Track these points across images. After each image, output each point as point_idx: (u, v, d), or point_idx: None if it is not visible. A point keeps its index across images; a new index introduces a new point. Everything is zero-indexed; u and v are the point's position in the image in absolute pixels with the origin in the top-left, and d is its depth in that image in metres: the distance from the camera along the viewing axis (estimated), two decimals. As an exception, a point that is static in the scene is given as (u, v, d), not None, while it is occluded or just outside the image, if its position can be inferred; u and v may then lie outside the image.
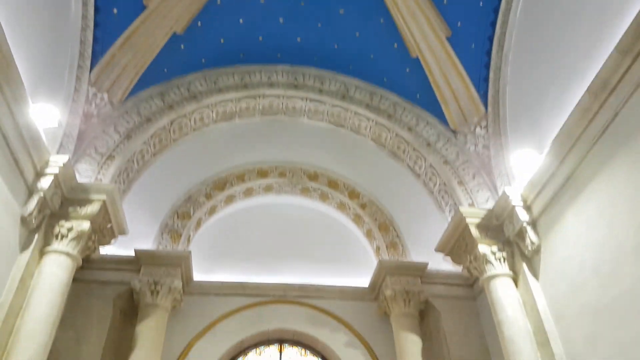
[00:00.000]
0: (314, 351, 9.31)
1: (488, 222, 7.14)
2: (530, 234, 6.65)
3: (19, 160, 5.74)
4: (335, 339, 9.14)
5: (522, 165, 6.90)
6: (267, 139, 9.53)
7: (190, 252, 8.52)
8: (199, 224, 9.43)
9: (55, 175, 6.20)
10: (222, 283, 9.30)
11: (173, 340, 8.38)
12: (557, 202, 6.33)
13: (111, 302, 7.87)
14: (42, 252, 6.11)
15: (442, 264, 8.79)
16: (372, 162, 9.40)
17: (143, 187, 8.34)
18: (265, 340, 9.28)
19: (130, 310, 8.04)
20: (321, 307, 9.39)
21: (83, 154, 7.14)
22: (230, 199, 9.85)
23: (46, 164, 6.22)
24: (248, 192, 10.02)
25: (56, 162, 6.27)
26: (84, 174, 6.99)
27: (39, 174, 6.14)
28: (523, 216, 6.75)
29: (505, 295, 6.65)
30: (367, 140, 9.02)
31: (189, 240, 8.97)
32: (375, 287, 9.33)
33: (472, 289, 8.92)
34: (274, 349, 9.30)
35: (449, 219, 7.76)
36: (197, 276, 9.14)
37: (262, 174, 10.00)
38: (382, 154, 9.04)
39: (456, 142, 8.27)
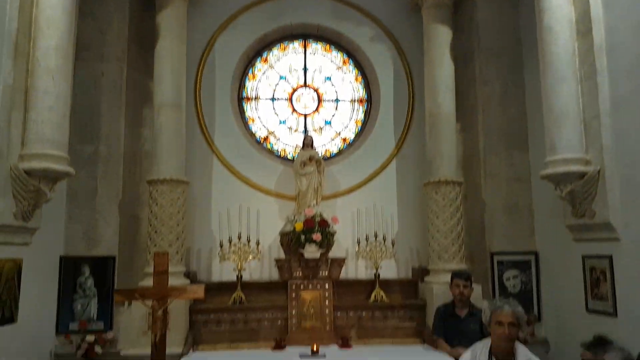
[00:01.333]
0: (339, 46, 9.18)
1: None
2: None
3: None
4: (360, 34, 8.88)
5: None
6: None
7: None
8: None
9: None
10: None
11: (195, 33, 8.18)
12: None
13: (124, -10, 7.51)
14: None
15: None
16: None
17: None
18: (288, 36, 9.08)
19: (147, 1, 7.70)
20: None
21: None
22: None
23: None
24: None
25: None
26: None
27: None
28: None
29: (554, -21, 6.00)
30: None
31: None
32: (409, -23, 8.47)
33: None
34: (297, 44, 9.19)
35: None
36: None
37: None
38: None
39: None
